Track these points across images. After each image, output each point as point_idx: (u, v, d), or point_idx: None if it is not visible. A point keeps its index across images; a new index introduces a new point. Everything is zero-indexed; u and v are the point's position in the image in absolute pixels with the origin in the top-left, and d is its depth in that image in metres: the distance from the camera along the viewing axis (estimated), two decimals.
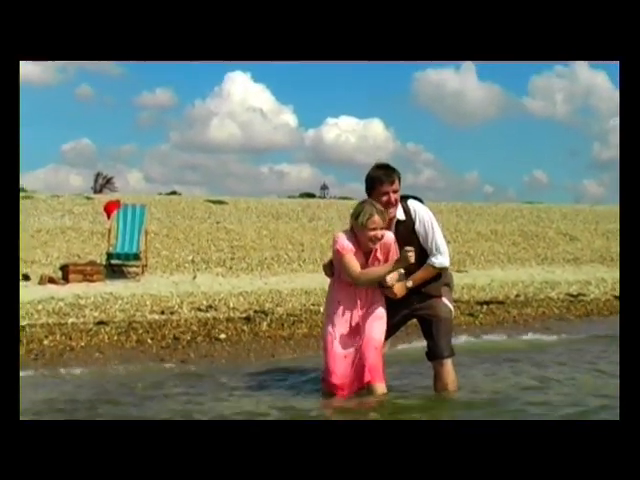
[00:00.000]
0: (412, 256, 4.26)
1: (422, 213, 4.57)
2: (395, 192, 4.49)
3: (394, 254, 4.42)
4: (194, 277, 11.51)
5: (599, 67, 78.16)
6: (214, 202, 21.66)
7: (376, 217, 4.33)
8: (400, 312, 4.63)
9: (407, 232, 4.53)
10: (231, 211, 20.32)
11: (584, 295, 11.02)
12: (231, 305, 9.04)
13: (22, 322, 7.29)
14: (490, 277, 12.61)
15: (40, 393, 4.78)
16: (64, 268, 10.77)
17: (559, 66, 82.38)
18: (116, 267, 11.38)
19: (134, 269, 11.40)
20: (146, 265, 11.53)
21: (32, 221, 16.40)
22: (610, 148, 73.39)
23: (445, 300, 4.64)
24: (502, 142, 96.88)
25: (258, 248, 14.43)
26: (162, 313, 8.33)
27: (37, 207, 18.74)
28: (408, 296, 4.55)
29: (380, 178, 4.48)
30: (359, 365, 4.38)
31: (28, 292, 9.08)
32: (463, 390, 4.68)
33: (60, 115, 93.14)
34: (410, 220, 4.55)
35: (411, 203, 4.61)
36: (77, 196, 22.60)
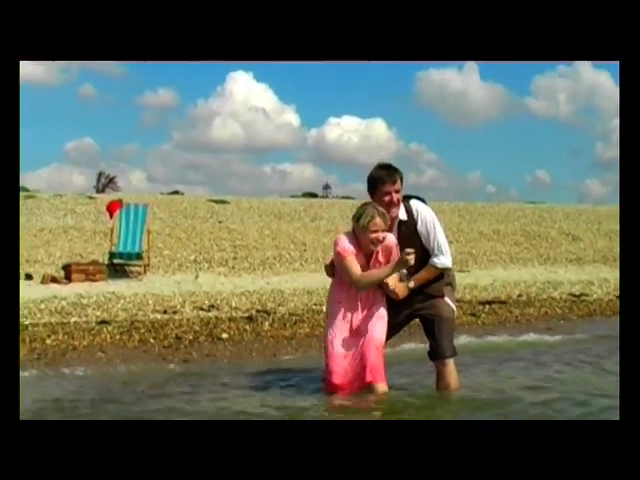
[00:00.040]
0: (412, 259, 4.25)
1: (424, 213, 4.57)
2: (397, 192, 4.48)
3: (395, 256, 4.40)
4: (196, 277, 11.52)
5: (602, 67, 78.10)
6: (216, 202, 21.68)
7: (377, 219, 4.33)
8: (403, 312, 4.63)
9: (409, 232, 4.52)
10: (233, 211, 20.35)
11: (587, 295, 11.01)
12: (233, 305, 9.03)
13: (25, 321, 7.30)
14: (492, 277, 12.60)
15: (42, 392, 4.79)
16: (67, 267, 10.79)
17: (562, 66, 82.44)
18: (118, 266, 11.40)
19: (136, 268, 11.43)
20: (148, 265, 11.55)
21: (35, 220, 16.46)
22: (613, 148, 73.29)
23: (448, 300, 4.63)
24: (505, 142, 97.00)
25: (260, 248, 14.44)
26: (164, 312, 8.33)
27: (40, 206, 18.80)
28: (411, 296, 4.54)
29: (382, 178, 4.48)
30: (360, 365, 4.38)
31: (31, 291, 9.10)
32: (465, 390, 4.67)
33: (63, 114, 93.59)
34: (412, 220, 4.54)
35: (413, 203, 4.60)
36: (80, 195, 22.65)
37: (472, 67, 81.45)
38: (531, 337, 7.54)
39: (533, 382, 5.14)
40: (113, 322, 7.56)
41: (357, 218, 4.40)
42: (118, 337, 6.87)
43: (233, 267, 12.54)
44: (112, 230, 11.98)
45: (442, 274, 4.60)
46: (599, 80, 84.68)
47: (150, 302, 8.92)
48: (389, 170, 4.53)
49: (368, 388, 4.39)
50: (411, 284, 4.50)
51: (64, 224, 16.20)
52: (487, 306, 9.51)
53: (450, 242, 4.75)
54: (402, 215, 4.54)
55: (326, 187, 51.33)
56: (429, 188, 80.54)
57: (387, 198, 4.45)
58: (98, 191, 47.68)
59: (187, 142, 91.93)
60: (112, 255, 11.37)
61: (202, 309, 8.67)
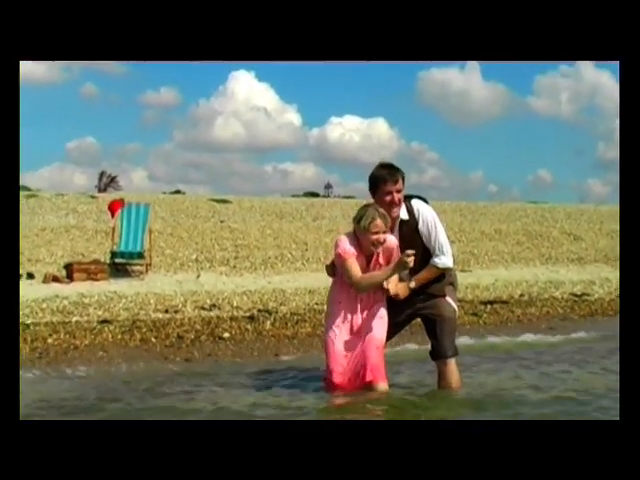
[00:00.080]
0: (411, 261, 4.24)
1: (426, 213, 4.56)
2: (399, 192, 4.48)
3: (396, 258, 4.39)
4: (198, 276, 11.52)
5: (604, 66, 78.15)
6: (218, 201, 21.69)
7: (378, 221, 4.32)
8: (404, 311, 4.63)
9: (410, 232, 4.52)
10: (235, 210, 20.36)
11: (588, 295, 11.00)
12: (235, 304, 9.04)
13: (26, 320, 7.31)
14: (494, 277, 12.59)
15: (44, 391, 4.79)
16: (68, 267, 10.80)
17: (564, 65, 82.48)
18: (120, 266, 11.41)
19: (138, 268, 11.43)
20: (150, 264, 11.55)
21: (37, 220, 16.47)
22: (615, 148, 73.23)
23: (449, 300, 4.63)
24: (506, 141, 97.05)
25: (262, 247, 14.44)
26: (166, 312, 8.34)
27: (42, 206, 18.82)
28: (412, 296, 4.54)
29: (384, 177, 4.47)
30: (361, 365, 4.38)
31: (32, 290, 9.11)
32: (466, 389, 4.67)
33: (65, 114, 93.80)
34: (413, 220, 4.54)
35: (415, 203, 4.60)
36: (81, 195, 22.67)
37: (474, 67, 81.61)
38: (533, 337, 7.54)
39: (534, 382, 5.13)
40: (115, 321, 7.56)
41: (358, 220, 4.39)
42: (120, 336, 6.87)
43: (235, 266, 12.54)
44: (114, 229, 11.99)
45: (444, 274, 4.60)
46: (601, 80, 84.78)
47: (152, 301, 8.93)
48: (391, 169, 4.52)
49: (369, 388, 4.39)
50: (412, 284, 4.50)
51: (66, 223, 16.20)
52: (489, 306, 9.51)
53: (452, 242, 4.75)
54: (403, 215, 4.54)
55: (328, 186, 51.45)
56: (431, 187, 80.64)
57: (389, 198, 4.44)
58: (100, 190, 47.75)
59: (189, 141, 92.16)
60: (114, 254, 11.38)
61: (204, 308, 8.68)
